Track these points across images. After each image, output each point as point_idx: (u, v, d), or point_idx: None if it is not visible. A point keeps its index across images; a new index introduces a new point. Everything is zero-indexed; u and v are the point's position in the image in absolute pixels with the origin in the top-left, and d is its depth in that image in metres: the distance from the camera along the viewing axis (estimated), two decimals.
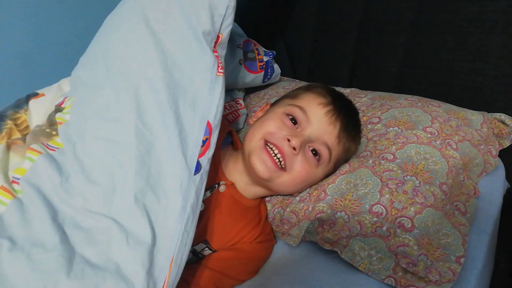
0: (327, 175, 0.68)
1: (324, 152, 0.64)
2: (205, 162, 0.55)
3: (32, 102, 0.73)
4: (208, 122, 0.56)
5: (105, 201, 0.50)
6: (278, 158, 0.63)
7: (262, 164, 0.63)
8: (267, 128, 0.65)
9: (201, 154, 0.54)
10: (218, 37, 0.61)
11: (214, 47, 0.61)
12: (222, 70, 0.58)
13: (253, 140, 0.65)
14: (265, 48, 0.96)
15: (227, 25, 0.61)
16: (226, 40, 0.63)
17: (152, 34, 0.58)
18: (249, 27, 1.15)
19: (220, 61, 0.59)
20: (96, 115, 0.56)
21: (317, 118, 0.65)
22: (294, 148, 0.62)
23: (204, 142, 0.55)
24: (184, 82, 0.57)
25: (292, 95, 0.73)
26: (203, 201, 0.62)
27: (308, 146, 0.64)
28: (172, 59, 0.58)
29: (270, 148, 0.63)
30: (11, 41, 0.91)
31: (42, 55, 0.96)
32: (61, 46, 0.98)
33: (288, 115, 0.66)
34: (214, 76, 0.57)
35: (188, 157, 0.53)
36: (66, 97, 0.64)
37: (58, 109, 0.63)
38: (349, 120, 0.68)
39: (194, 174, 0.53)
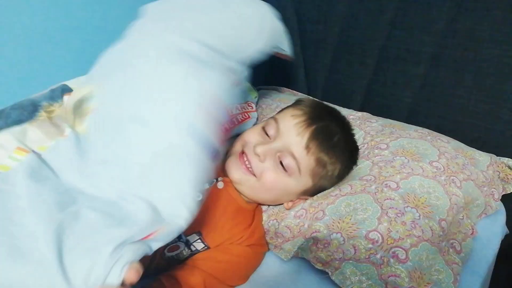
0: (307, 188, 0.69)
1: (290, 162, 0.66)
2: None
3: (66, 98, 0.65)
4: None
5: None
6: (247, 165, 0.68)
7: (234, 166, 0.69)
8: (245, 137, 0.72)
9: None
10: None
11: None
12: None
13: (234, 147, 0.73)
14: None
15: None
16: None
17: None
18: None
19: None
20: None
21: (286, 129, 0.68)
22: (259, 156, 0.66)
23: None
24: None
25: (282, 109, 0.78)
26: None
27: (278, 157, 0.66)
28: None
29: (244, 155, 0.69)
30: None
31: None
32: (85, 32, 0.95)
33: (263, 127, 0.71)
34: None
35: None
36: None
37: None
38: (321, 131, 0.67)
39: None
